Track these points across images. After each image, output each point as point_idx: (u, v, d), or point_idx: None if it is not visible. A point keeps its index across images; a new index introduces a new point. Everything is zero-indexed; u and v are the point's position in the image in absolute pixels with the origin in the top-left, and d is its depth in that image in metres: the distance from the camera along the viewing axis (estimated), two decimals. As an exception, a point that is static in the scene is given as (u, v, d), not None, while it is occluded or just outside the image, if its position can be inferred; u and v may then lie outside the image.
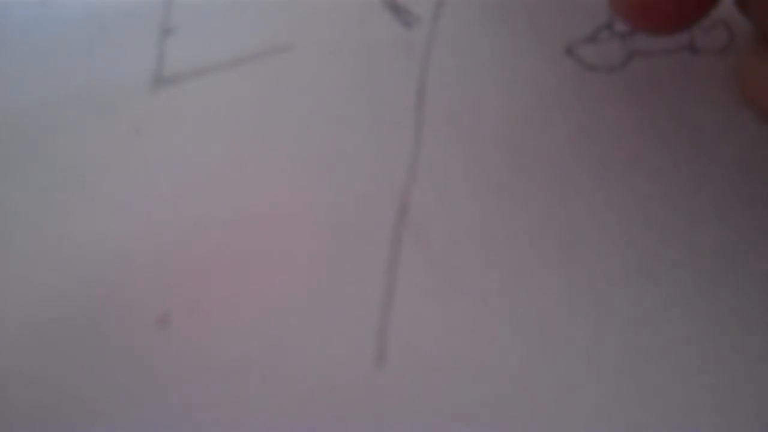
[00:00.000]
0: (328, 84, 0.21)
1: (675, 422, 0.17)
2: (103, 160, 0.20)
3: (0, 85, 0.21)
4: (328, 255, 0.19)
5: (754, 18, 0.17)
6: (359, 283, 0.18)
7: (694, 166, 0.19)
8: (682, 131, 0.20)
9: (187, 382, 0.18)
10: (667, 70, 0.20)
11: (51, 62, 0.21)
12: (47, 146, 0.20)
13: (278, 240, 0.19)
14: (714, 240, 0.18)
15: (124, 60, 0.21)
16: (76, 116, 0.20)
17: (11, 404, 0.18)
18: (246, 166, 0.20)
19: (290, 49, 0.21)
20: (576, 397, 0.17)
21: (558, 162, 0.19)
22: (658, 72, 0.20)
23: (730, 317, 0.18)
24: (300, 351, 0.18)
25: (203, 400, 0.18)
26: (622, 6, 0.17)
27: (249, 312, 0.18)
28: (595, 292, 0.18)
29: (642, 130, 0.20)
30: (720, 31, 0.20)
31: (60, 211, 0.19)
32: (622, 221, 0.19)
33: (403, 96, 0.20)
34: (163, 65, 0.21)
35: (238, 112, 0.20)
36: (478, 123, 0.20)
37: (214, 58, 0.21)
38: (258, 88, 0.21)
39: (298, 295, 0.19)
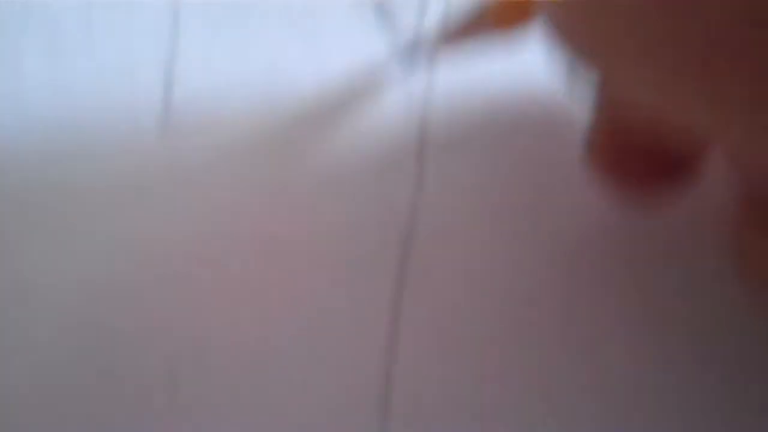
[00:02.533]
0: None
1: None
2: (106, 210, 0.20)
3: (17, 121, 0.21)
4: (331, 299, 0.19)
5: (748, 180, 0.16)
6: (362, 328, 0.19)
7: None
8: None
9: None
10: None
11: (63, 120, 0.21)
12: (54, 192, 0.20)
13: (281, 281, 0.19)
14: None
15: (131, 107, 0.21)
16: (83, 165, 0.21)
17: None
18: (249, 207, 0.20)
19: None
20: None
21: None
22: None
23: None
24: (303, 395, 0.19)
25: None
26: (599, 170, 0.17)
27: (253, 357, 0.19)
28: (594, 340, 0.19)
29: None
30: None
31: (63, 254, 0.20)
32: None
33: (402, 134, 0.21)
34: (169, 112, 0.21)
35: (242, 155, 0.20)
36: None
37: (220, 103, 0.21)
38: (266, 113, 0.21)
39: (301, 341, 0.19)
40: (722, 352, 0.19)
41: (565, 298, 0.19)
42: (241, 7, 0.22)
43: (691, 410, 0.18)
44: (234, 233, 0.20)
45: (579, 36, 0.14)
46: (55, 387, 0.19)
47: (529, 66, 0.20)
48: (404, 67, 0.21)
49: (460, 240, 0.20)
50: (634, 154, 0.16)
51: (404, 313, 0.19)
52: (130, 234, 0.20)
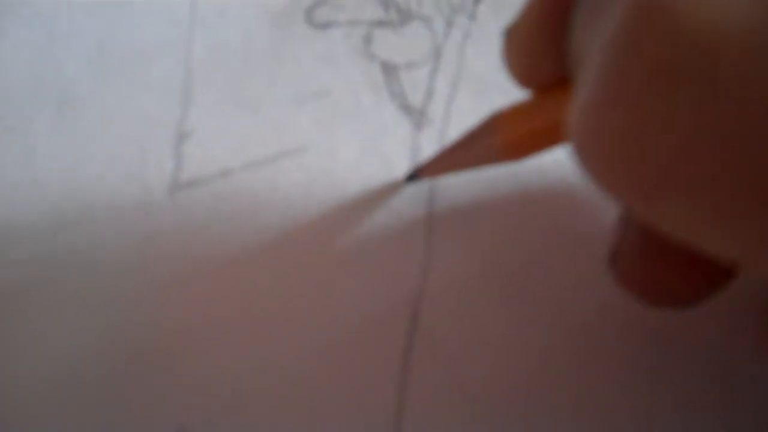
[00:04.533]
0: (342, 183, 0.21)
1: None
2: (120, 263, 0.20)
3: (30, 190, 0.21)
4: (340, 363, 0.19)
5: None
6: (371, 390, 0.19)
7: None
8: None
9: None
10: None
11: (72, 171, 0.21)
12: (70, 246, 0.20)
13: (290, 344, 0.19)
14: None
15: (143, 165, 0.21)
16: (98, 223, 0.21)
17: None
18: (259, 267, 0.20)
19: (304, 150, 0.22)
20: None
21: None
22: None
23: None
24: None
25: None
26: (629, 284, 0.16)
27: (263, 419, 0.19)
28: (605, 409, 0.18)
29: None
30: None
31: (78, 308, 0.20)
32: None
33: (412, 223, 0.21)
34: (181, 170, 0.21)
35: (253, 215, 0.21)
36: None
37: (229, 162, 0.21)
38: (273, 191, 0.21)
39: (312, 402, 0.19)
40: (738, 419, 0.18)
41: (575, 368, 0.19)
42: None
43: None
44: (244, 301, 0.20)
45: (611, 171, 0.12)
46: None
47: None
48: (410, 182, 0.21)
49: (467, 309, 0.20)
50: (670, 267, 0.15)
51: (412, 376, 0.19)
52: (138, 303, 0.20)
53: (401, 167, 0.21)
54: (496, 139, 0.18)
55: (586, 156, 0.12)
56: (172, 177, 0.21)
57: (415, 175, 0.21)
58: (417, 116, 0.22)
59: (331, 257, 0.20)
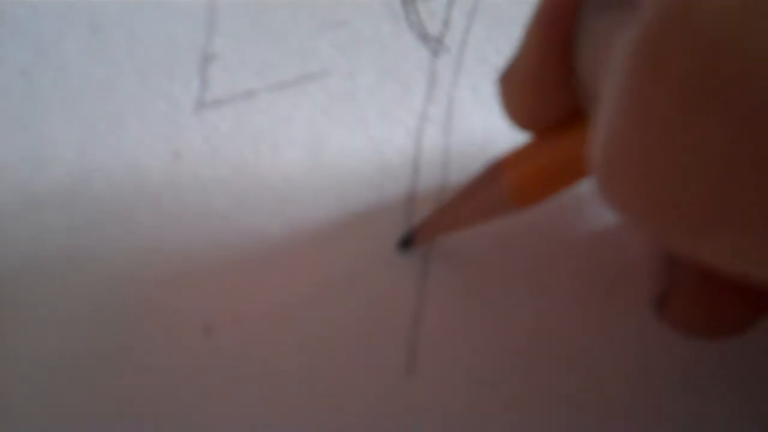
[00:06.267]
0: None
1: None
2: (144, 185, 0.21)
3: (57, 112, 0.22)
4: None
5: None
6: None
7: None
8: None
9: (229, 387, 0.19)
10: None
11: (103, 90, 0.22)
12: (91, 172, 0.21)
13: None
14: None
15: (170, 86, 0.22)
16: (123, 140, 0.22)
17: (62, 399, 0.19)
18: (287, 180, 0.21)
19: (326, 74, 0.22)
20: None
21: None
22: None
23: None
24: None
25: (243, 404, 0.19)
26: (681, 324, 0.15)
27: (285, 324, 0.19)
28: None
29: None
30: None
31: (112, 224, 0.20)
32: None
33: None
34: (206, 90, 0.22)
35: (276, 133, 0.21)
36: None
37: (253, 84, 0.22)
38: (296, 111, 0.22)
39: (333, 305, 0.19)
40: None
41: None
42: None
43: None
44: (274, 217, 0.21)
45: (648, 207, 0.11)
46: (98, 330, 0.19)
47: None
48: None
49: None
50: (725, 301, 0.14)
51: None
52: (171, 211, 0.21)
53: (419, 92, 0.22)
54: (502, 184, 0.17)
55: (616, 192, 0.11)
56: (198, 96, 0.22)
57: (409, 241, 0.19)
58: (434, 44, 0.23)
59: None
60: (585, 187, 0.17)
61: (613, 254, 0.19)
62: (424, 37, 0.23)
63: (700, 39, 0.09)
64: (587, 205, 0.20)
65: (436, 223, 0.19)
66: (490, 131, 0.21)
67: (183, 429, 0.19)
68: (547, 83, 0.15)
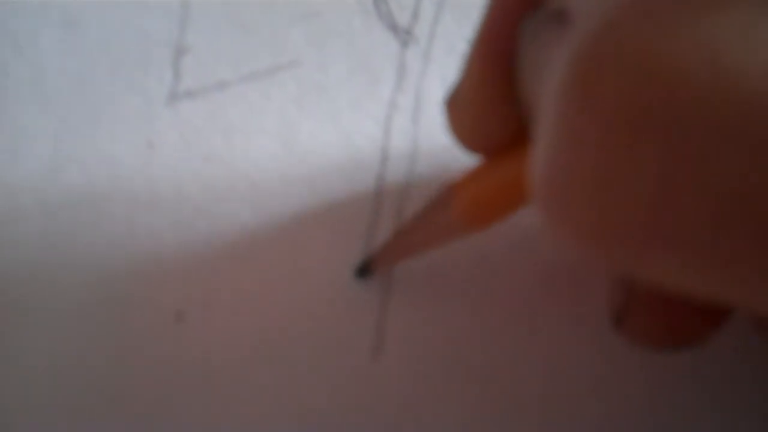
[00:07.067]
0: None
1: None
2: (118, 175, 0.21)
3: (33, 105, 0.22)
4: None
5: None
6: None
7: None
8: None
9: (199, 373, 0.19)
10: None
11: (77, 84, 0.23)
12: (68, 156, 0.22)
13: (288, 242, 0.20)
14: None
15: (143, 79, 0.23)
16: (98, 132, 0.22)
17: (37, 385, 0.19)
18: (259, 170, 0.21)
19: (298, 65, 0.23)
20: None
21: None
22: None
23: None
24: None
25: (212, 388, 0.19)
26: (639, 338, 0.16)
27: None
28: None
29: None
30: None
31: (87, 213, 0.21)
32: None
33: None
34: (179, 82, 0.22)
35: (248, 124, 0.22)
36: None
37: (225, 75, 0.23)
38: (267, 102, 0.22)
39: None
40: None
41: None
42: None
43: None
44: (244, 207, 0.21)
45: (587, 228, 0.11)
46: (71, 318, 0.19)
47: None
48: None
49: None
50: (680, 314, 0.15)
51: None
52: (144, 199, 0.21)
53: (388, 83, 0.22)
54: (454, 206, 0.17)
55: (556, 217, 0.11)
56: (171, 88, 0.22)
57: (366, 269, 0.20)
58: (403, 35, 0.23)
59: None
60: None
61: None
62: (393, 28, 0.23)
63: (628, 66, 0.10)
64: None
65: (394, 248, 0.19)
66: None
67: (156, 415, 0.19)
68: (490, 104, 0.15)
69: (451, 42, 0.23)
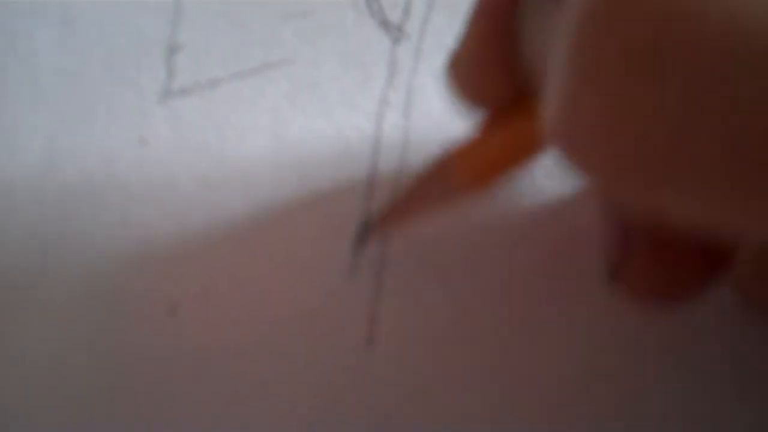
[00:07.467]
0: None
1: None
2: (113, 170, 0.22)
3: (28, 102, 0.23)
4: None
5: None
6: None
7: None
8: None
9: (193, 366, 0.19)
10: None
11: (72, 81, 0.23)
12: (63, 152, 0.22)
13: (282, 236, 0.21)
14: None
15: (137, 76, 0.23)
16: (93, 128, 0.22)
17: (29, 377, 0.19)
18: (251, 163, 0.21)
19: (290, 62, 0.23)
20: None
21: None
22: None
23: None
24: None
25: (206, 380, 0.19)
26: (636, 292, 0.16)
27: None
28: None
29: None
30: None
31: (82, 207, 0.21)
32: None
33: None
34: (172, 79, 0.23)
35: (241, 120, 0.22)
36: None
37: (218, 72, 0.23)
38: (260, 99, 0.22)
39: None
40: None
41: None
42: None
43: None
44: (236, 199, 0.21)
45: (606, 162, 0.11)
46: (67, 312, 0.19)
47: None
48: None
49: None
50: (677, 265, 0.15)
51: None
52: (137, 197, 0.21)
53: (380, 79, 0.23)
54: (452, 167, 0.17)
55: (576, 152, 0.11)
56: (165, 85, 0.23)
57: (365, 232, 0.20)
58: (395, 32, 0.23)
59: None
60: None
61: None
62: (385, 25, 0.24)
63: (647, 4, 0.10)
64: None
65: (392, 213, 0.19)
66: (449, 114, 0.22)
67: (150, 407, 0.19)
68: (494, 58, 0.16)
69: (442, 38, 0.23)
